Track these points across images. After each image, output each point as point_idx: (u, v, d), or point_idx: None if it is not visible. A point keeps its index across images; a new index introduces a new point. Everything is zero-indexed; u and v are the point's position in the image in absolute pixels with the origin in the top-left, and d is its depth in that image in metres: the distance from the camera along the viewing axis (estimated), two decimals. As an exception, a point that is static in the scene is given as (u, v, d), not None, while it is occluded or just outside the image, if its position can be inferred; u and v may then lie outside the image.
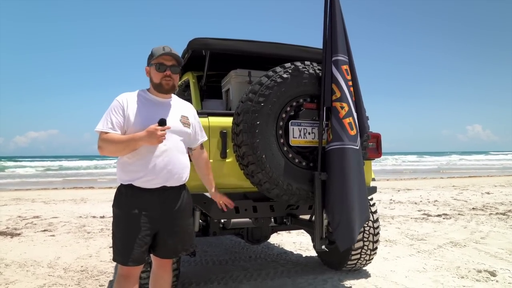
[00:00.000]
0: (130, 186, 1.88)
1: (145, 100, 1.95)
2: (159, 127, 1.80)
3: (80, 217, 6.79)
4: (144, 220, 1.87)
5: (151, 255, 2.04)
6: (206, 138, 2.22)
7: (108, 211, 7.40)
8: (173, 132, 1.90)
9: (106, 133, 1.84)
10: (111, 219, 6.56)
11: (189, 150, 2.15)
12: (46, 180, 18.59)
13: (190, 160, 2.13)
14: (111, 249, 4.39)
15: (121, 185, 1.93)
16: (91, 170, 27.68)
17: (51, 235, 5.20)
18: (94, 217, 6.77)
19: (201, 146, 2.20)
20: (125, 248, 1.86)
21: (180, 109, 2.03)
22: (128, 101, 1.91)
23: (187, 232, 2.05)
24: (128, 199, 1.88)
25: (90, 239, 4.95)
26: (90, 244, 4.66)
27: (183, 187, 2.02)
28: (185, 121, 2.00)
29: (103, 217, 6.73)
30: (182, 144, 1.99)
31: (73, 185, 15.17)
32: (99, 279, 3.32)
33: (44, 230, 5.55)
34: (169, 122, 1.87)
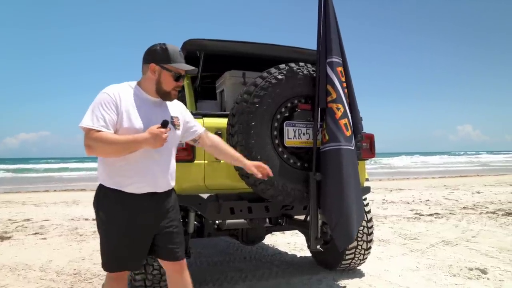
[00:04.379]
0: (117, 191, 1.74)
1: (140, 99, 1.79)
2: (163, 129, 1.66)
3: (72, 219, 6.72)
4: (136, 226, 1.77)
5: (161, 261, 1.94)
6: (203, 129, 2.04)
7: (101, 213, 7.32)
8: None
9: (98, 131, 1.64)
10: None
11: (193, 142, 2.06)
12: (37, 182, 18.35)
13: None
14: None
15: (106, 188, 1.77)
16: (83, 172, 27.39)
17: (42, 238, 5.13)
18: (86, 219, 6.70)
19: (205, 133, 2.05)
20: (119, 255, 1.79)
21: (170, 109, 1.90)
22: (121, 96, 1.73)
23: (181, 230, 1.95)
24: (116, 205, 1.75)
25: (83, 241, 4.90)
26: (83, 246, 4.61)
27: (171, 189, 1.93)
28: (175, 122, 1.87)
29: (95, 219, 6.66)
30: (171, 148, 1.88)
31: (65, 187, 15.00)
32: (93, 282, 3.29)
33: (35, 233, 5.48)
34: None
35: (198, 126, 2.04)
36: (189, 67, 1.82)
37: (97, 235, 5.48)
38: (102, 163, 1.78)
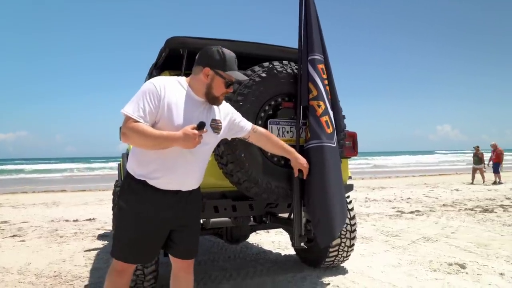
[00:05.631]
0: (143, 182, 1.76)
1: (186, 97, 1.77)
2: (198, 132, 1.64)
3: (52, 221, 6.55)
4: (156, 221, 1.78)
5: (171, 257, 1.96)
6: (250, 125, 2.08)
7: (82, 214, 7.19)
8: (202, 139, 1.73)
9: (136, 121, 1.64)
10: (85, 223, 6.31)
11: (243, 139, 2.10)
12: (14, 183, 17.82)
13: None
14: (86, 253, 4.29)
15: (132, 178, 1.78)
16: (63, 173, 26.77)
17: (21, 241, 4.98)
18: (67, 220, 6.55)
19: (254, 129, 2.08)
20: (132, 247, 1.79)
21: (213, 112, 1.87)
22: (166, 90, 1.71)
23: (198, 229, 2.00)
24: (139, 197, 1.76)
25: (63, 243, 4.78)
26: (63, 248, 4.50)
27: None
28: (215, 126, 1.85)
29: (76, 220, 6.53)
30: (207, 151, 1.88)
31: (44, 188, 14.62)
32: (73, 284, 3.22)
33: (13, 236, 5.32)
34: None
35: (248, 124, 2.06)
36: (243, 77, 1.82)
37: (78, 237, 5.38)
38: (134, 152, 1.80)
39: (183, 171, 1.78)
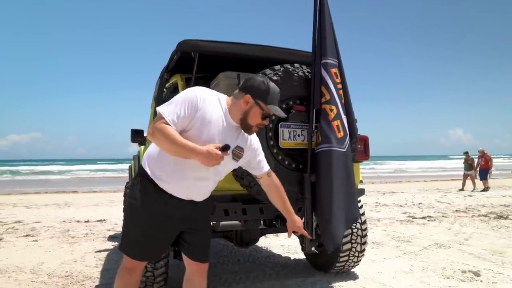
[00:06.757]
0: (153, 182, 1.78)
1: (221, 116, 1.77)
2: (221, 153, 1.63)
3: (64, 221, 6.64)
4: (164, 219, 1.80)
5: (186, 259, 1.96)
6: (267, 168, 1.99)
7: (93, 215, 7.27)
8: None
9: (166, 123, 1.65)
10: (96, 224, 6.36)
11: (255, 177, 2.03)
12: (28, 184, 18.13)
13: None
14: (97, 253, 4.33)
15: (144, 176, 1.81)
16: (75, 175, 27.15)
17: (33, 240, 5.06)
18: (78, 221, 6.63)
19: (268, 173, 1.99)
20: (140, 244, 1.81)
21: (240, 139, 1.85)
22: (206, 103, 1.72)
23: (209, 232, 2.02)
24: (149, 195, 1.78)
25: (75, 243, 4.84)
26: (75, 249, 4.56)
27: None
28: (237, 153, 1.83)
29: (87, 221, 6.60)
30: (221, 173, 1.88)
31: (56, 189, 14.84)
32: (85, 284, 3.25)
33: (27, 235, 5.41)
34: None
35: (266, 166, 2.00)
36: (281, 114, 1.81)
37: (89, 238, 5.43)
38: (156, 152, 1.81)
39: (189, 185, 1.78)
